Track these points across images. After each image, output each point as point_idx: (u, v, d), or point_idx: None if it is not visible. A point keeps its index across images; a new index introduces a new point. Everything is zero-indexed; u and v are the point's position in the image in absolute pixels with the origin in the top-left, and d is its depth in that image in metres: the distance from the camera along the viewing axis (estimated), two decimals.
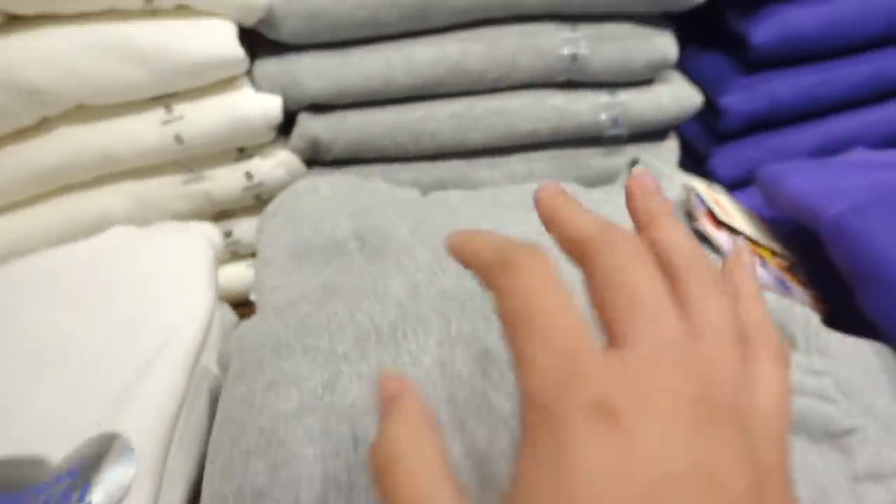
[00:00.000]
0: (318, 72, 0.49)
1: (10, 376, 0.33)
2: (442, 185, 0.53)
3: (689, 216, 0.42)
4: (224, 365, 0.35)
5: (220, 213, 0.53)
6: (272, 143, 0.52)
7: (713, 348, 0.19)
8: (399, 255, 0.35)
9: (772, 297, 0.36)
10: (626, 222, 0.41)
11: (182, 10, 0.46)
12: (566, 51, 0.50)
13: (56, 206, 0.49)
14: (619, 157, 0.54)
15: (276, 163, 0.51)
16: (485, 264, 0.21)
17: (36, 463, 0.29)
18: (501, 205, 0.41)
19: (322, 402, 0.29)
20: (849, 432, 0.30)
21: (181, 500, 0.30)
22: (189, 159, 0.49)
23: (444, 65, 0.50)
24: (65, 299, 0.37)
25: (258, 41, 0.50)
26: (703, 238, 0.41)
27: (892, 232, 0.36)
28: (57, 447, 0.30)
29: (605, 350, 0.19)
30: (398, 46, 0.50)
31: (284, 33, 0.48)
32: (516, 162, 0.54)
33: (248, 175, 0.51)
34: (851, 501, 0.27)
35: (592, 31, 0.50)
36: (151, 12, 0.45)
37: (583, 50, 0.50)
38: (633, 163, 0.49)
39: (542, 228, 0.39)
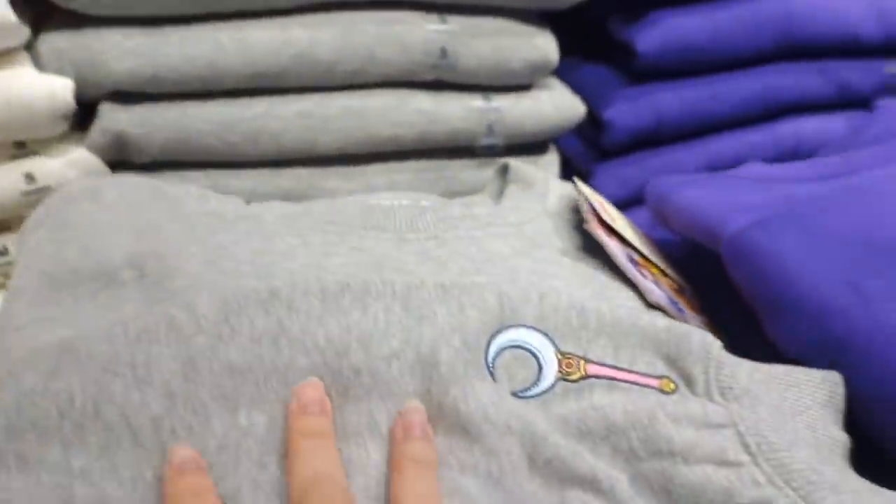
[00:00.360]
0: (126, 51, 0.40)
1: None
2: (286, 199, 0.44)
3: (582, 218, 0.36)
4: None
5: None
6: (63, 137, 0.41)
7: None
8: (176, 307, 0.25)
9: (662, 323, 0.29)
10: (483, 242, 0.35)
11: None
12: (435, 44, 0.43)
13: None
14: (491, 171, 0.48)
15: (67, 162, 0.41)
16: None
17: None
18: (332, 225, 0.33)
19: None
20: None
21: None
22: None
23: (288, 52, 0.41)
24: None
25: (47, 9, 0.39)
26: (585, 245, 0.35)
27: (803, 249, 0.31)
28: None
29: None
30: (231, 27, 0.41)
31: (80, 1, 0.38)
32: (375, 173, 0.46)
33: (29, 177, 0.40)
34: None
35: (465, 24, 0.44)
36: None
37: (453, 45, 0.43)
38: (504, 169, 0.42)
39: (379, 256, 0.32)
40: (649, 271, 0.38)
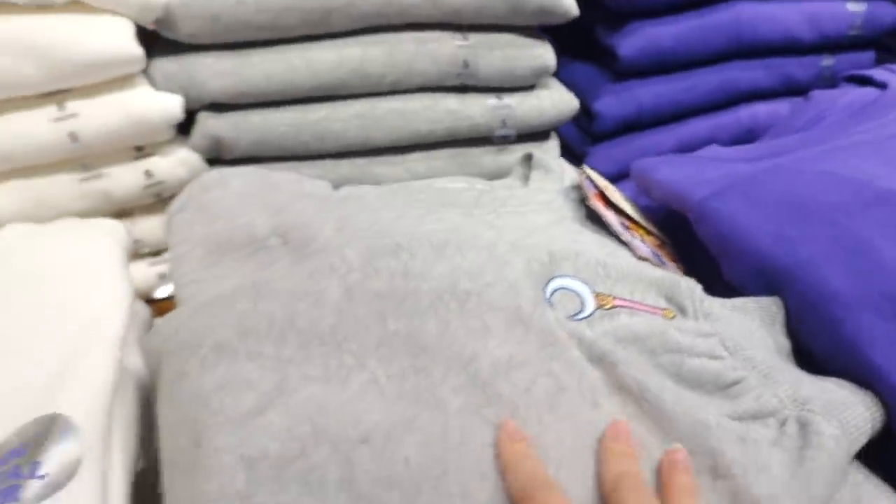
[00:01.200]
0: (218, 72, 0.50)
1: None
2: (346, 182, 0.55)
3: (583, 196, 0.47)
4: (152, 360, 0.35)
5: (119, 213, 0.52)
6: (171, 141, 0.51)
7: None
8: (329, 256, 0.36)
9: (660, 273, 0.41)
10: (521, 211, 0.46)
11: (76, 6, 0.45)
12: (459, 57, 0.54)
13: None
14: (508, 156, 0.59)
15: (177, 161, 0.51)
16: (517, 490, 0.29)
17: None
18: (417, 202, 0.44)
19: (277, 403, 0.30)
20: (734, 383, 0.35)
21: (123, 484, 0.30)
22: (85, 157, 0.48)
23: (345, 68, 0.52)
24: None
25: (155, 40, 0.50)
26: (595, 214, 0.47)
27: (745, 211, 0.42)
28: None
29: None
30: (299, 49, 0.51)
31: (183, 33, 0.49)
32: (415, 160, 0.57)
33: (148, 173, 0.50)
34: (739, 443, 0.32)
35: (481, 39, 0.55)
36: (43, 7, 0.44)
37: (473, 57, 0.54)
38: (528, 157, 0.53)
39: (457, 224, 0.42)
40: (637, 233, 0.50)
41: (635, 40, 0.58)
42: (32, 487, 0.27)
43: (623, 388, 0.34)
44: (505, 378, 0.33)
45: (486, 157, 0.59)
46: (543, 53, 0.56)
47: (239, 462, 0.28)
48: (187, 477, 0.28)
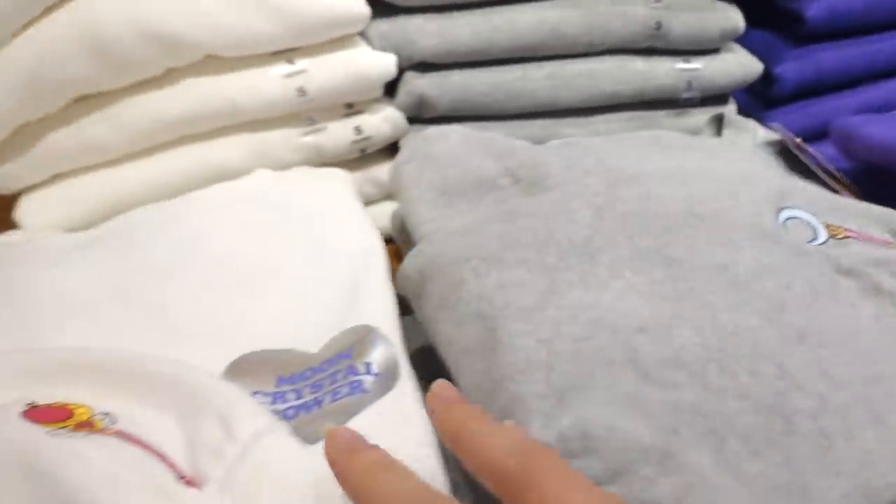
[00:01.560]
0: (428, 32, 0.52)
1: (230, 291, 0.35)
2: (534, 142, 0.57)
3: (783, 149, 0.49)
4: (413, 282, 0.38)
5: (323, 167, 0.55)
6: (377, 99, 0.54)
7: None
8: (569, 185, 0.38)
9: (880, 208, 0.42)
10: (714, 168, 0.47)
11: None
12: (652, 18, 0.55)
13: (175, 156, 0.50)
14: (687, 119, 0.60)
15: (383, 118, 0.54)
16: (501, 474, 0.19)
17: (292, 353, 0.31)
18: (635, 146, 0.46)
19: (551, 301, 0.32)
20: None
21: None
22: (309, 112, 0.51)
23: (543, 29, 0.54)
24: (248, 228, 0.39)
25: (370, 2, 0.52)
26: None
27: None
28: (298, 344, 0.32)
29: None
30: (501, 11, 0.53)
31: None
32: (599, 122, 0.58)
33: (357, 129, 0.53)
34: None
35: (673, 1, 0.56)
36: None
37: (666, 18, 0.55)
38: (718, 118, 0.54)
39: (680, 161, 0.44)
40: (838, 184, 0.50)
41: (824, 3, 0.58)
42: (370, 382, 0.30)
43: (881, 292, 0.35)
44: (764, 279, 0.34)
45: (666, 119, 0.60)
46: (733, 15, 0.57)
47: (537, 342, 0.30)
48: (487, 357, 0.30)
